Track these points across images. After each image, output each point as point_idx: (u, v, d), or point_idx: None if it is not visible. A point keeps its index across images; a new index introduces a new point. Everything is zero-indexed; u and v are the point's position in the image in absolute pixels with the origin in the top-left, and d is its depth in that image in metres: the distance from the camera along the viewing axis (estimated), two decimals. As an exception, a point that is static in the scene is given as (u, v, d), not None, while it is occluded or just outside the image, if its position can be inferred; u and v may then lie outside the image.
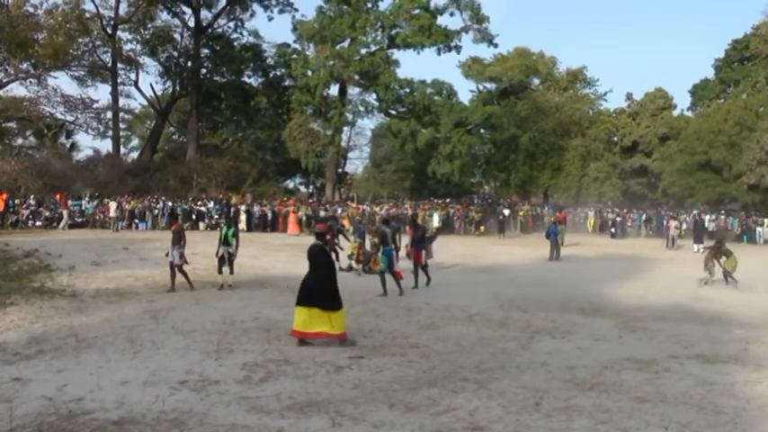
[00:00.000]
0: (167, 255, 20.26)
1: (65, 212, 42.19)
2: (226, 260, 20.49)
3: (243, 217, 43.89)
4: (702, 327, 16.10)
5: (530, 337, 14.23)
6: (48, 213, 42.78)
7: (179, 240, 20.14)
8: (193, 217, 44.61)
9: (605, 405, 9.48)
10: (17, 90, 62.77)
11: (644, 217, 52.87)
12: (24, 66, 56.86)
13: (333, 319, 13.06)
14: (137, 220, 43.49)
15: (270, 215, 46.63)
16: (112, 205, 43.10)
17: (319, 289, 13.17)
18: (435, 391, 10.11)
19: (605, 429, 8.59)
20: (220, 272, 20.53)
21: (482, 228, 47.75)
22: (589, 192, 65.59)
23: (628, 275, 24.24)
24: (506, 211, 51.10)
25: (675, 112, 68.26)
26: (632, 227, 51.69)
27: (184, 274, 20.01)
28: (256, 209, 46.86)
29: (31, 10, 56.57)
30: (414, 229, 22.81)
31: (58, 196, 44.59)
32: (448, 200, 57.50)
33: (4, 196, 40.79)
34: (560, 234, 35.94)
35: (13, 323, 14.71)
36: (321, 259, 13.71)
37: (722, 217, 49.84)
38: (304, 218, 44.62)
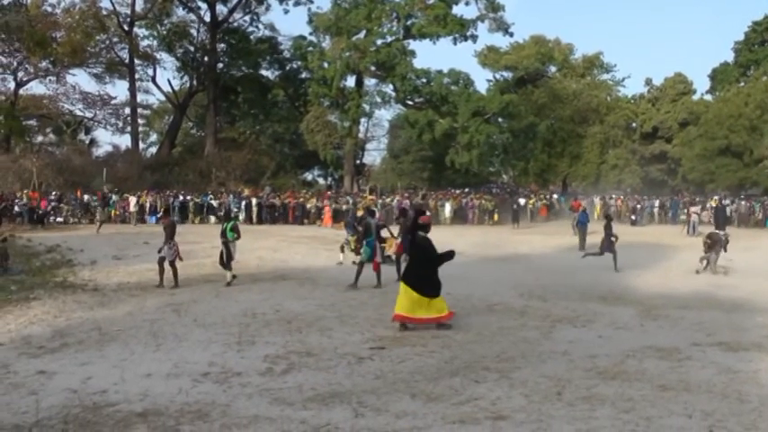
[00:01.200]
0: (160, 251, 19.61)
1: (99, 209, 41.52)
2: (224, 255, 19.81)
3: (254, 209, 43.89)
4: (725, 314, 15.98)
5: (551, 327, 14.19)
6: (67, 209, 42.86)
7: (171, 236, 19.50)
8: (205, 210, 44.71)
9: (628, 394, 9.45)
10: (36, 88, 63.40)
11: (657, 203, 52.42)
12: (43, 64, 57.42)
13: (433, 305, 13.62)
14: (147, 215, 43.50)
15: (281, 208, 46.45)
16: (132, 200, 43.27)
17: (424, 276, 13.74)
18: (457, 380, 10.11)
19: (628, 418, 8.55)
20: (225, 267, 20.03)
21: (495, 217, 47.44)
22: (608, 179, 65.34)
23: (648, 263, 24.13)
24: (522, 201, 50.78)
25: (695, 97, 67.84)
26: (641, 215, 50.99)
27: (174, 270, 19.31)
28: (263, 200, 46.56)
29: (49, 9, 57.26)
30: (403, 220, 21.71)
31: (98, 194, 44.43)
32: (466, 189, 57.33)
33: (36, 194, 40.92)
34: (574, 222, 35.75)
35: (36, 317, 14.84)
36: (428, 250, 14.17)
37: (743, 203, 49.18)
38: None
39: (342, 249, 24.96)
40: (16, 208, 40.73)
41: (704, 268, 22.78)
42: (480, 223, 45.96)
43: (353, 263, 21.94)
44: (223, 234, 19.94)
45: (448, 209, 45.10)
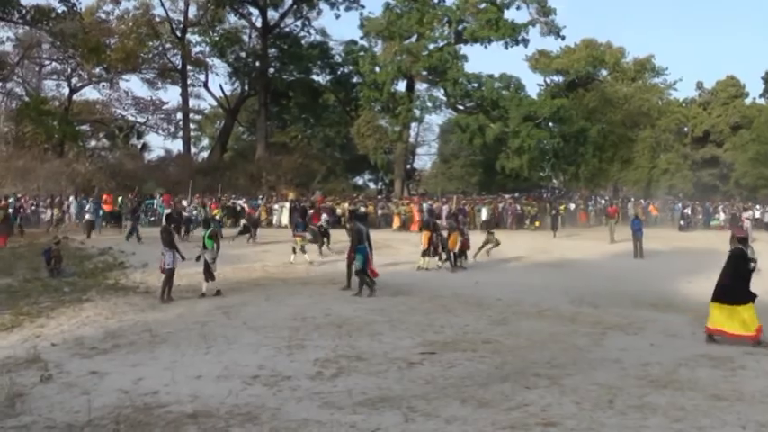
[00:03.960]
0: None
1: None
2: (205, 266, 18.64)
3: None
4: (779, 322, 15.75)
5: (602, 333, 14.08)
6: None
7: (169, 244, 18.25)
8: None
9: (680, 403, 9.35)
10: (90, 94, 64.53)
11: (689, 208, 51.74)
12: (97, 70, 58.26)
13: (744, 316, 13.21)
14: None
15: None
16: (184, 203, 43.55)
17: (732, 286, 13.54)
18: (507, 386, 10.09)
19: (680, 428, 8.47)
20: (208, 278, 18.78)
21: (537, 222, 46.81)
22: (659, 184, 64.70)
23: (700, 269, 23.79)
24: (572, 206, 50.16)
25: (748, 101, 66.93)
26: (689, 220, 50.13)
27: (168, 280, 17.98)
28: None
29: (103, 16, 58.09)
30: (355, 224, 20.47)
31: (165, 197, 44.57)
32: (516, 194, 56.94)
33: (110, 198, 41.34)
34: (611, 228, 35.45)
35: (89, 318, 15.10)
36: (739, 258, 13.91)
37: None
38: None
39: (294, 250, 25.36)
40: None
41: None
42: (520, 228, 45.33)
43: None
44: (204, 245, 19.02)
45: (484, 213, 44.54)
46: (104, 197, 40.95)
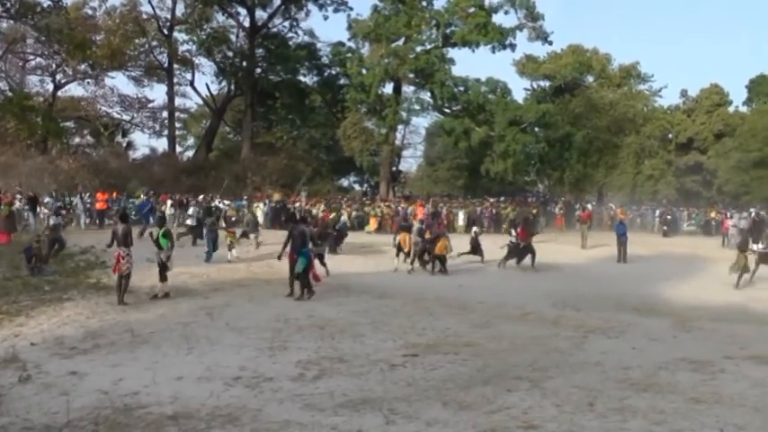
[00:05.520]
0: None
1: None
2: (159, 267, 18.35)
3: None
4: (759, 327, 15.89)
5: (583, 337, 14.16)
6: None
7: (125, 243, 17.68)
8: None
9: (660, 406, 9.42)
10: (75, 90, 63.76)
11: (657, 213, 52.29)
12: (82, 66, 57.80)
13: None
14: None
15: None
16: (168, 203, 43.35)
17: None
18: (489, 389, 10.12)
19: (660, 430, 8.54)
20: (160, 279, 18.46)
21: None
22: (644, 190, 64.94)
23: (682, 274, 23.97)
24: (557, 209, 49.99)
25: (731, 108, 67.31)
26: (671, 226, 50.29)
27: (122, 282, 17.44)
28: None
29: (90, 12, 57.63)
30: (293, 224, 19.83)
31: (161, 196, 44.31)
32: (501, 198, 56.93)
33: (105, 196, 40.96)
34: (583, 233, 35.42)
35: (69, 318, 15.00)
36: None
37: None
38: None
39: (229, 248, 25.62)
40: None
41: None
42: (498, 232, 45.17)
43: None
44: (158, 245, 18.58)
45: (461, 217, 44.35)
46: (98, 195, 40.69)
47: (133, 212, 37.98)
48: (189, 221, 32.86)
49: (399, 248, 25.24)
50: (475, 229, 29.47)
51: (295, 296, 18.14)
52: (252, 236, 28.77)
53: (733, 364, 11.92)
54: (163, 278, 18.31)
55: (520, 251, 26.36)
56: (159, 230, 18.89)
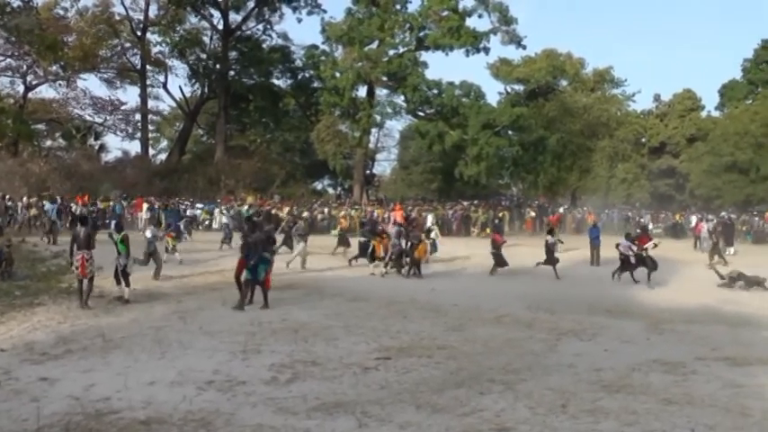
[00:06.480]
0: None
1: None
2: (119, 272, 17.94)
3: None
4: (731, 329, 15.99)
5: (557, 339, 14.21)
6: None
7: (87, 245, 17.20)
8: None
9: (632, 407, 9.47)
10: (46, 92, 63.59)
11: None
12: (54, 68, 57.29)
13: None
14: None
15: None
16: (144, 206, 43.06)
17: None
18: (462, 392, 10.13)
19: (632, 431, 8.57)
20: (118, 283, 18.15)
21: (487, 230, 46.05)
22: (617, 193, 65.35)
23: (655, 277, 24.10)
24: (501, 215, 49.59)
25: (704, 113, 68.02)
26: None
27: (85, 284, 17.18)
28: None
29: (61, 12, 57.16)
30: (249, 230, 18.98)
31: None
32: (475, 201, 56.99)
33: (86, 199, 40.41)
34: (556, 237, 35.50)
35: (40, 323, 14.84)
36: None
37: (756, 219, 49.20)
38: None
39: (166, 250, 25.81)
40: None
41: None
42: (467, 235, 45.13)
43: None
44: (117, 250, 18.13)
45: (430, 220, 44.17)
46: (78, 200, 40.27)
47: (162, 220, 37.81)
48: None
49: (373, 255, 25.21)
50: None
51: (258, 305, 17.34)
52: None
53: (705, 366, 12.01)
54: (127, 282, 18.01)
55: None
56: (118, 236, 18.42)
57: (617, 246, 24.73)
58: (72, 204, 39.31)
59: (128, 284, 18.01)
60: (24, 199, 38.69)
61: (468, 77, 73.03)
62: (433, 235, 29.11)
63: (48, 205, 35.81)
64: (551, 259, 25.63)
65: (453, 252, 31.14)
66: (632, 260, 24.19)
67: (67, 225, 34.84)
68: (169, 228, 27.46)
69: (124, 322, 15.16)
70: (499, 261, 25.88)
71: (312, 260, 25.99)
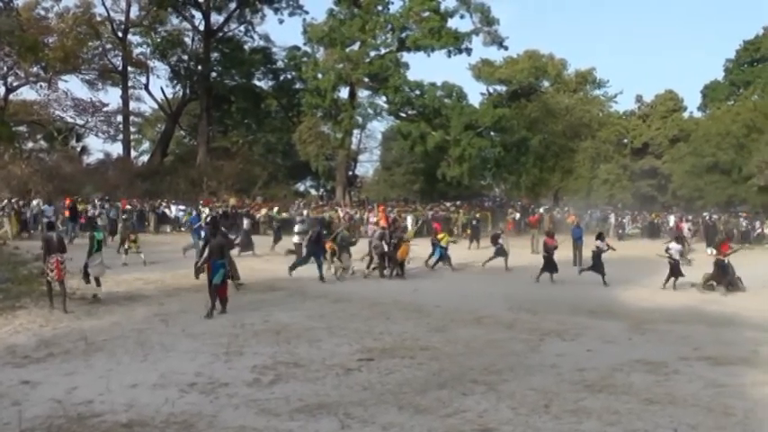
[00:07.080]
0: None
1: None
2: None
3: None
4: (713, 329, 16.07)
5: (539, 340, 14.24)
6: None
7: (60, 249, 17.48)
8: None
9: (614, 407, 9.50)
10: (27, 94, 62.75)
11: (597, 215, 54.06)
12: (34, 69, 56.91)
13: None
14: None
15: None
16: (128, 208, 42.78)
17: None
18: (445, 393, 10.14)
19: (615, 431, 8.60)
20: (87, 282, 18.70)
21: (468, 230, 45.57)
22: (599, 194, 65.47)
23: (637, 277, 24.19)
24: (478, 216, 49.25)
25: (686, 114, 68.24)
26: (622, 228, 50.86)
27: (56, 286, 17.22)
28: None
29: (42, 13, 56.78)
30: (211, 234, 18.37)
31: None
32: (457, 202, 57.04)
33: (68, 202, 39.94)
34: (533, 237, 35.56)
35: (22, 326, 14.75)
36: None
37: (741, 219, 49.39)
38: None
39: (126, 252, 26.01)
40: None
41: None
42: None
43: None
44: (99, 248, 18.64)
45: (409, 221, 44.01)
46: (67, 202, 39.89)
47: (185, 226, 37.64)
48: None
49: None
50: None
51: (218, 310, 16.69)
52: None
53: (687, 365, 12.06)
54: (87, 280, 18.38)
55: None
56: (98, 236, 18.98)
57: (666, 249, 24.27)
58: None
59: (89, 281, 18.55)
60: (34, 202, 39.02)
61: (449, 78, 72.75)
62: (443, 243, 27.50)
63: (46, 207, 35.91)
64: (598, 265, 24.59)
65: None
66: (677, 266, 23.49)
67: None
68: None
69: (106, 325, 15.09)
70: (549, 266, 24.70)
71: (290, 261, 25.76)
